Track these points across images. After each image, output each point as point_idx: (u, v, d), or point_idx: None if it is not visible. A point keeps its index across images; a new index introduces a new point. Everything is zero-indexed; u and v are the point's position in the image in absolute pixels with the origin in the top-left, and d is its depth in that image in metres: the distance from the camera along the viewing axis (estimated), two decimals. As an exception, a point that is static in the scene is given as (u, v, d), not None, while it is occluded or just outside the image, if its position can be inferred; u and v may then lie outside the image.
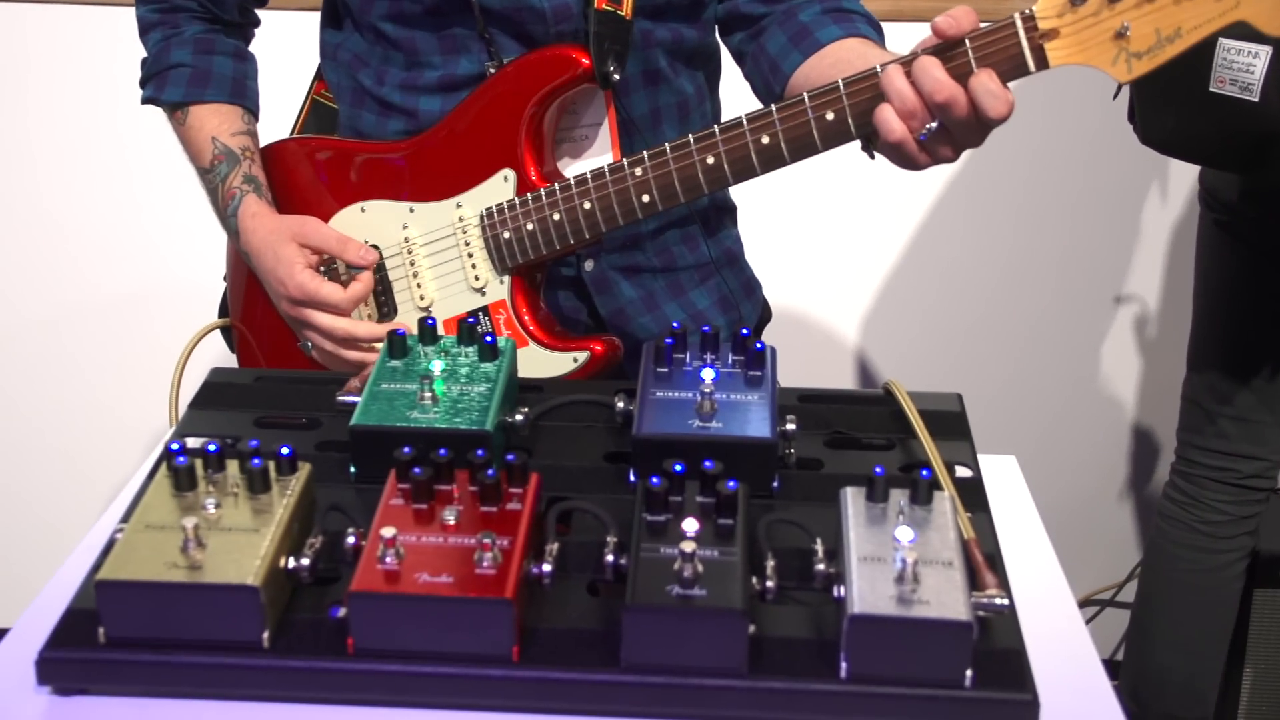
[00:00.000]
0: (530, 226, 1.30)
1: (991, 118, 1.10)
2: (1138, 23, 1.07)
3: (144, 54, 1.47)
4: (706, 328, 1.04)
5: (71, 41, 2.25)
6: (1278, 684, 2.12)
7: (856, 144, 1.22)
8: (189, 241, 2.28)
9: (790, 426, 1.00)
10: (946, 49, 1.12)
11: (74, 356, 2.46)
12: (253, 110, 1.46)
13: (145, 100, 1.46)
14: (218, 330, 1.56)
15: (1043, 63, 1.11)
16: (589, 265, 1.40)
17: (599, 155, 1.35)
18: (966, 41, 1.11)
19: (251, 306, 1.48)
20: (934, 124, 1.13)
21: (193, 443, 0.94)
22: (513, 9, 1.30)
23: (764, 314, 1.56)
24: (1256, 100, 1.47)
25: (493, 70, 1.33)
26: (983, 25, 1.12)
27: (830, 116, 1.17)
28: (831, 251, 2.42)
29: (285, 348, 1.45)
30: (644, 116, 1.37)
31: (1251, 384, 2.03)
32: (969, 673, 0.80)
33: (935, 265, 2.44)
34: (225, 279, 1.55)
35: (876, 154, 1.21)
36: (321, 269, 1.38)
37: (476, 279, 1.34)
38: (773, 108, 1.20)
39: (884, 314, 2.48)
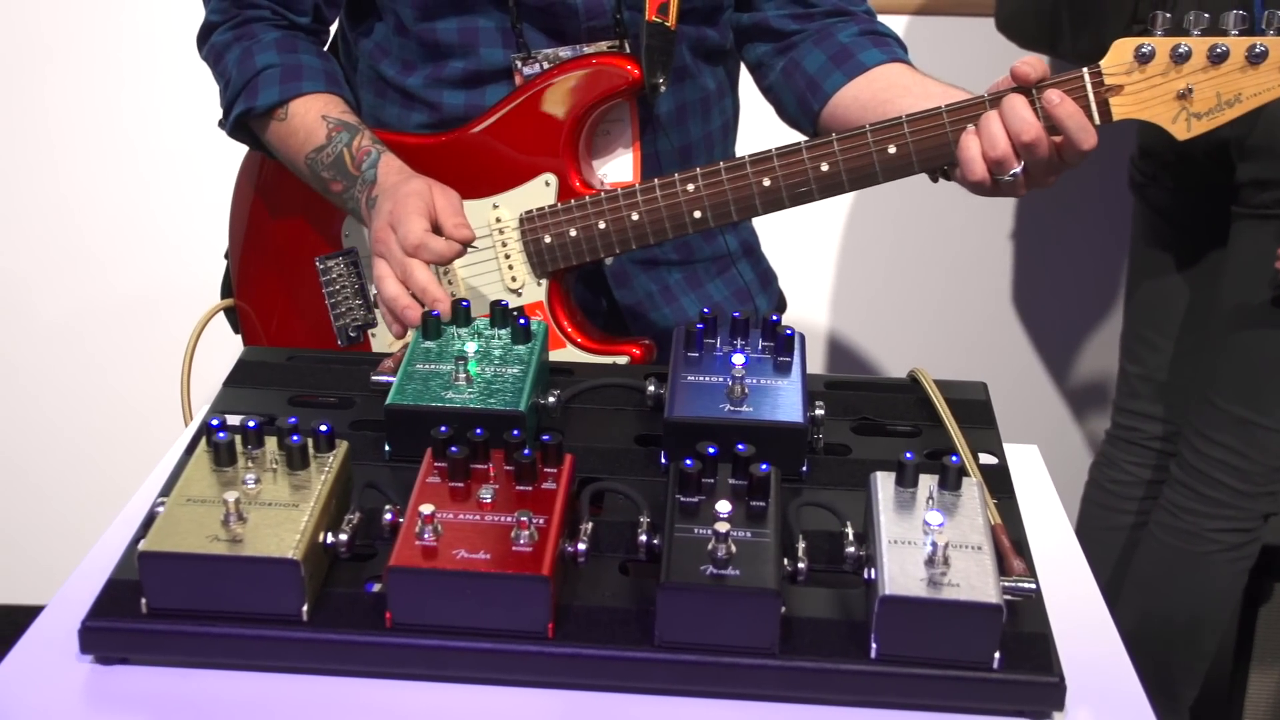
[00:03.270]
0: (574, 233, 1.31)
1: (1084, 149, 1.14)
2: (1201, 86, 1.13)
3: (212, 82, 1.38)
4: (737, 313, 1.05)
5: (77, 34, 2.25)
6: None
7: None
8: (194, 231, 2.29)
9: (819, 412, 1.02)
10: (1020, 93, 1.16)
11: (89, 344, 2.46)
12: (349, 103, 1.38)
13: (237, 120, 1.36)
14: (222, 315, 1.56)
15: (1106, 116, 1.15)
16: (609, 260, 1.40)
17: (620, 152, 1.36)
18: (1034, 91, 1.15)
19: (250, 282, 1.48)
20: (1018, 169, 1.16)
21: (232, 419, 0.96)
22: (547, 3, 1.30)
23: (780, 304, 1.57)
24: None
25: (519, 63, 1.33)
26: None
27: (893, 150, 1.20)
28: (850, 242, 2.43)
29: (286, 322, 1.45)
30: (669, 113, 1.38)
31: (1156, 343, 2.12)
32: (997, 654, 0.81)
33: (955, 256, 2.45)
34: (226, 256, 1.55)
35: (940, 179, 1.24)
36: None
37: (514, 280, 1.35)
38: (834, 137, 1.22)
39: (902, 305, 2.49)
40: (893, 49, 1.36)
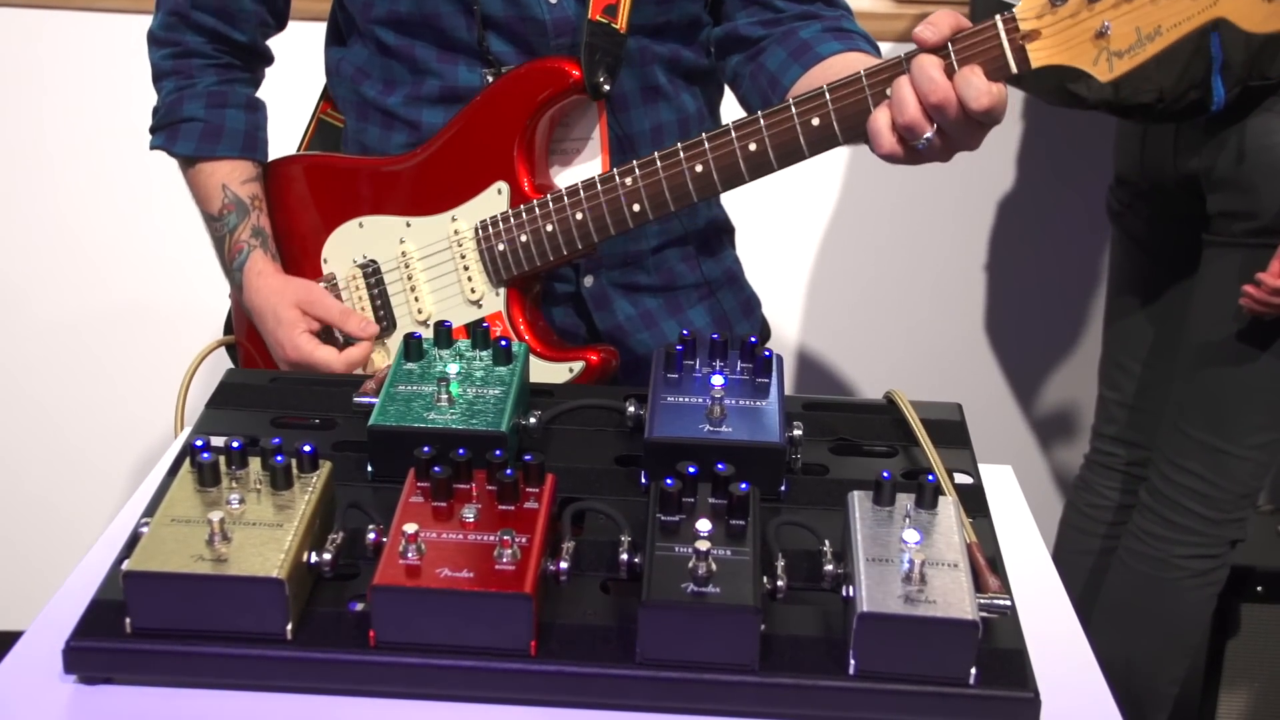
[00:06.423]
0: (524, 238, 1.32)
1: (975, 110, 1.09)
2: (1118, 22, 1.08)
3: (154, 96, 1.47)
4: (715, 335, 1.06)
5: (87, 49, 2.26)
6: (1254, 696, 2.15)
7: (846, 152, 1.23)
8: (197, 249, 2.30)
9: (797, 433, 1.03)
10: (933, 53, 1.13)
11: (65, 366, 2.46)
12: (262, 161, 1.48)
13: (155, 148, 1.47)
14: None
15: (1024, 63, 1.11)
16: (588, 281, 1.42)
17: (590, 168, 1.37)
18: (949, 45, 1.12)
19: (249, 322, 1.49)
20: (929, 134, 1.12)
21: (215, 440, 0.96)
22: (515, 18, 1.32)
23: (763, 332, 1.58)
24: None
25: (491, 80, 1.34)
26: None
27: (816, 122, 1.19)
28: (827, 264, 2.46)
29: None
30: (644, 133, 1.39)
31: (1133, 370, 2.14)
32: (973, 670, 0.83)
33: (932, 279, 2.48)
34: (230, 296, 1.57)
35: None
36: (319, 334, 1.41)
37: (473, 291, 1.36)
38: (759, 115, 1.21)
39: (879, 327, 2.51)
40: (855, 41, 1.34)
